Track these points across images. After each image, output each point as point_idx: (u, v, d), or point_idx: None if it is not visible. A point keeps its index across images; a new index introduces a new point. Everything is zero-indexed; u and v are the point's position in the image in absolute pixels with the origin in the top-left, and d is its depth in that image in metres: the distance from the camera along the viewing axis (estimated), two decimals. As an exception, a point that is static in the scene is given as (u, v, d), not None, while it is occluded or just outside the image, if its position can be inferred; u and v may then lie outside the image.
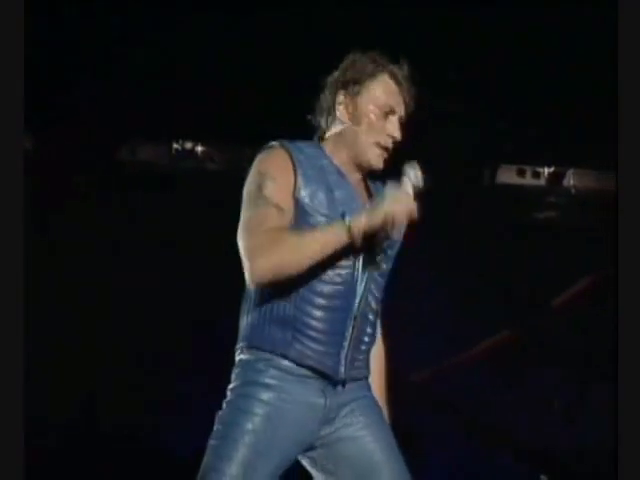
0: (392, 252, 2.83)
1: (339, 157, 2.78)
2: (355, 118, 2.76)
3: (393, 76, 2.76)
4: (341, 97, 2.77)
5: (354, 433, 2.75)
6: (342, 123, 2.77)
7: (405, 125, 2.78)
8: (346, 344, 2.72)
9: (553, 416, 6.01)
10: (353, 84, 2.76)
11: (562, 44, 5.05)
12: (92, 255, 5.85)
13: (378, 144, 2.75)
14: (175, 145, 6.13)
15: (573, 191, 6.27)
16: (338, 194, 2.71)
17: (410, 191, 2.65)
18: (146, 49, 5.28)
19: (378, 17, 4.90)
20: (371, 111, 2.75)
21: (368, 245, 2.69)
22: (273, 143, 2.74)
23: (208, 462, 2.68)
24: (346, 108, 2.76)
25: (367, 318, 2.77)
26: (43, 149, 5.91)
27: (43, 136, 5.92)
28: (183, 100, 5.40)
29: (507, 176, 6.30)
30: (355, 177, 2.80)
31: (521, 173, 6.25)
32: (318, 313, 2.69)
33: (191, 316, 5.80)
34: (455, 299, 5.90)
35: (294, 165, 2.68)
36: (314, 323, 2.69)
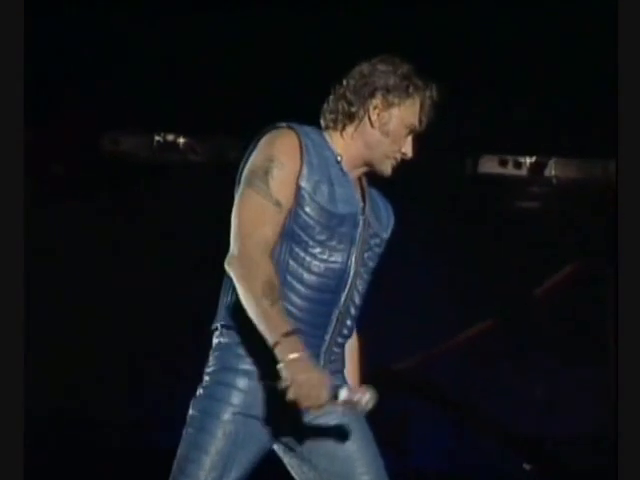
0: (380, 250, 2.84)
1: (347, 152, 2.77)
2: (384, 127, 2.76)
3: (424, 100, 2.78)
4: (378, 101, 2.75)
5: (329, 422, 2.73)
6: (371, 126, 2.76)
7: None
8: (327, 338, 2.73)
9: (536, 402, 6.05)
10: (393, 94, 2.76)
11: (548, 31, 5.07)
12: (74, 246, 5.84)
13: (394, 158, 2.78)
14: (157, 137, 6.12)
15: (555, 181, 6.29)
16: (339, 190, 2.71)
17: (341, 397, 2.50)
18: (130, 41, 5.28)
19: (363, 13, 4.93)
20: (401, 128, 2.76)
21: (361, 242, 2.73)
22: (281, 124, 2.72)
23: (185, 452, 2.68)
24: (379, 114, 2.75)
25: (350, 313, 2.77)
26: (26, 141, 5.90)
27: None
28: (165, 92, 5.39)
29: (489, 166, 6.32)
30: (354, 173, 2.80)
31: (503, 163, 6.27)
32: (303, 304, 2.68)
33: (172, 305, 5.80)
34: (438, 288, 5.91)
35: (301, 151, 2.66)
36: (298, 314, 2.67)
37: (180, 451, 2.70)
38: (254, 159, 2.69)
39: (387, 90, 2.76)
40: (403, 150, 2.77)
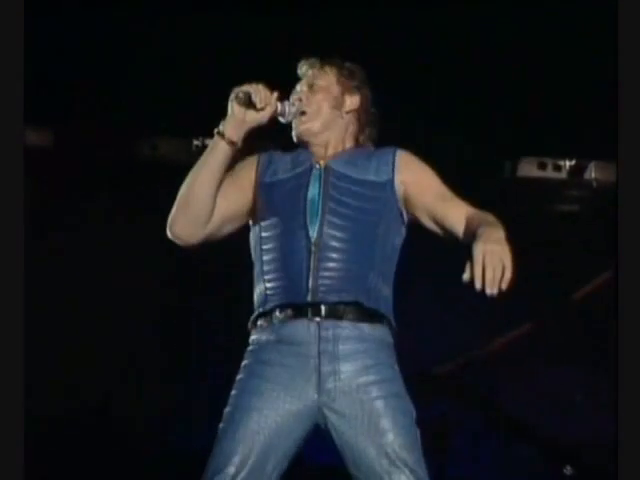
0: (357, 189, 2.97)
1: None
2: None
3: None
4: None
5: (361, 395, 2.78)
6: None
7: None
8: (307, 272, 2.86)
9: (576, 409, 6.00)
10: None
11: (585, 35, 5.04)
12: (111, 252, 5.86)
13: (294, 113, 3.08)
14: (195, 141, 6.13)
15: (595, 184, 6.24)
16: (295, 161, 3.04)
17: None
18: (167, 46, 5.29)
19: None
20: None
21: (323, 182, 2.97)
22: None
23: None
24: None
25: (331, 249, 2.88)
26: (62, 146, 5.94)
27: (63, 133, 5.95)
28: (203, 96, 5.40)
29: (528, 169, 6.28)
30: (322, 148, 3.08)
31: (542, 166, 6.23)
32: (273, 255, 2.91)
33: (203, 313, 5.81)
34: (476, 292, 5.86)
35: (259, 160, 3.11)
36: (273, 266, 2.90)
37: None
38: None
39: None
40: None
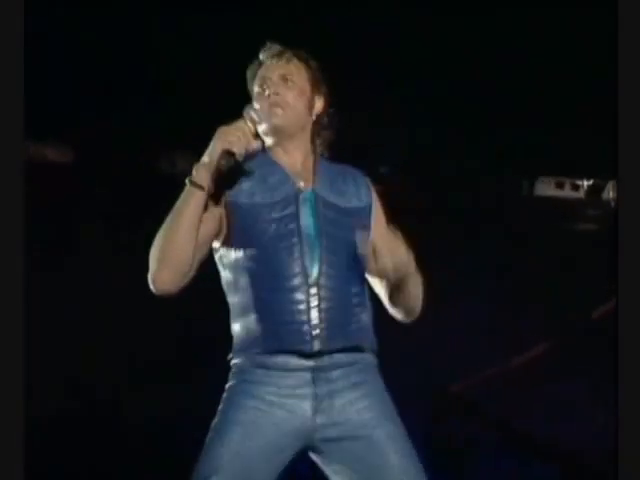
0: (346, 218, 2.86)
1: (269, 143, 2.96)
2: (253, 99, 2.99)
3: (258, 63, 3.03)
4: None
5: (357, 432, 2.74)
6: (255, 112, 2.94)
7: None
8: (312, 312, 2.74)
9: (598, 425, 5.96)
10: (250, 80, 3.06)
11: (607, 52, 5.04)
12: (129, 267, 5.87)
13: (270, 105, 2.91)
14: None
15: (612, 204, 6.23)
16: (271, 180, 2.85)
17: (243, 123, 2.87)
18: (186, 62, 5.32)
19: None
20: (254, 84, 3.01)
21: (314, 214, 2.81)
22: None
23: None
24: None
25: (330, 289, 2.77)
26: (77, 162, 5.97)
27: (78, 148, 5.98)
28: (222, 112, 5.42)
29: (545, 188, 6.28)
30: (292, 159, 2.93)
31: (560, 185, 6.23)
32: (261, 292, 2.76)
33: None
34: (493, 311, 5.87)
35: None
36: (262, 304, 2.76)
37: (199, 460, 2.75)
38: None
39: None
40: (266, 93, 2.93)
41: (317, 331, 2.74)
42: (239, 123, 2.85)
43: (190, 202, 2.77)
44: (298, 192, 2.84)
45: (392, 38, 5.00)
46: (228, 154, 2.76)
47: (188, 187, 2.77)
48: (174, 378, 5.72)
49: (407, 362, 4.85)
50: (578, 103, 5.41)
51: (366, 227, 2.89)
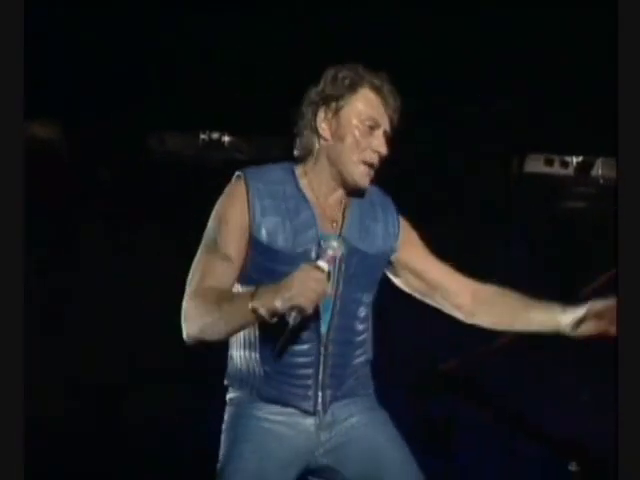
0: (372, 262, 2.75)
1: (317, 178, 2.68)
2: (338, 135, 2.64)
3: (374, 88, 2.65)
4: (322, 114, 2.66)
5: (353, 434, 2.75)
6: (325, 140, 2.66)
7: (391, 139, 2.68)
8: (320, 375, 2.70)
9: (583, 405, 5.99)
10: (335, 100, 2.64)
11: (592, 28, 5.04)
12: (119, 246, 5.87)
13: (364, 161, 2.64)
14: (202, 135, 6.14)
15: (601, 181, 6.24)
16: (296, 221, 2.63)
17: (326, 268, 2.50)
18: (176, 39, 5.30)
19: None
20: (355, 126, 2.63)
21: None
22: (237, 173, 2.68)
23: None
24: (329, 125, 2.65)
25: (340, 343, 2.71)
26: (67, 141, 5.95)
27: (69, 128, 5.96)
28: (211, 90, 5.41)
29: (535, 165, 6.28)
30: (332, 199, 2.70)
31: (549, 162, 6.23)
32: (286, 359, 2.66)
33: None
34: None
35: (248, 199, 2.61)
36: (281, 367, 2.67)
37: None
38: (210, 220, 2.69)
39: (325, 100, 2.64)
40: (373, 148, 2.62)
41: (320, 394, 2.71)
42: (324, 282, 2.48)
43: (242, 324, 2.58)
44: (322, 240, 2.61)
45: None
46: (300, 311, 2.47)
47: (247, 308, 2.49)
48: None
49: (399, 342, 4.87)
50: (568, 81, 5.41)
51: (383, 267, 2.81)
